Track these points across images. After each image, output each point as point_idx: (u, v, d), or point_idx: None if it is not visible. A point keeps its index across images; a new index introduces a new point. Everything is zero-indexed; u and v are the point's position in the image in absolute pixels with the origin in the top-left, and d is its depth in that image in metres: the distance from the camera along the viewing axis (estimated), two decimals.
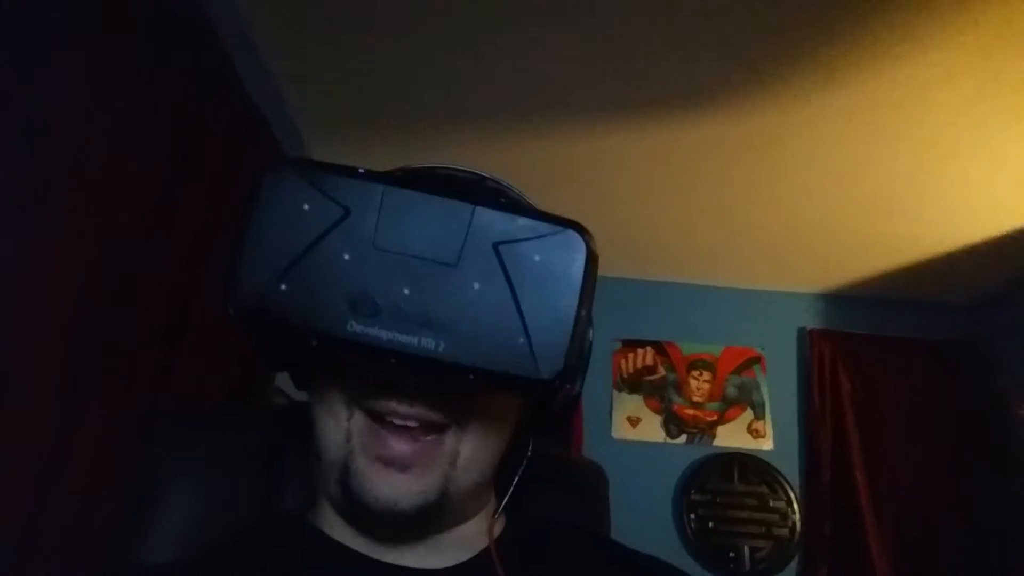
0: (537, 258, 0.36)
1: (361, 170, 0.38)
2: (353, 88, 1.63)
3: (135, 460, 0.60)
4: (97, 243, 0.96)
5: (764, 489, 2.31)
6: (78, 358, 0.93)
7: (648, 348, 2.48)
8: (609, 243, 2.34)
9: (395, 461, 0.41)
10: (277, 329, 0.37)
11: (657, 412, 2.42)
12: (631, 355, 2.47)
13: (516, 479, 0.51)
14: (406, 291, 0.36)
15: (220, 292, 0.37)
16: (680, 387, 2.45)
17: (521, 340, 0.36)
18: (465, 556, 0.48)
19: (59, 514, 0.88)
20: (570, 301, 0.36)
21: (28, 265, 0.84)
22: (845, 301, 2.55)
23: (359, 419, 0.43)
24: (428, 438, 0.42)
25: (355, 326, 0.35)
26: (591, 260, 0.37)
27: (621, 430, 2.38)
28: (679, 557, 2.23)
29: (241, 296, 0.36)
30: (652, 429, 2.40)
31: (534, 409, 0.49)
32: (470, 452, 0.43)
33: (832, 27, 1.34)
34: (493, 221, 0.37)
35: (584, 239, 0.37)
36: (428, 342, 0.35)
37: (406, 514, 0.41)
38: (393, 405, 0.41)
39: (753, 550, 2.24)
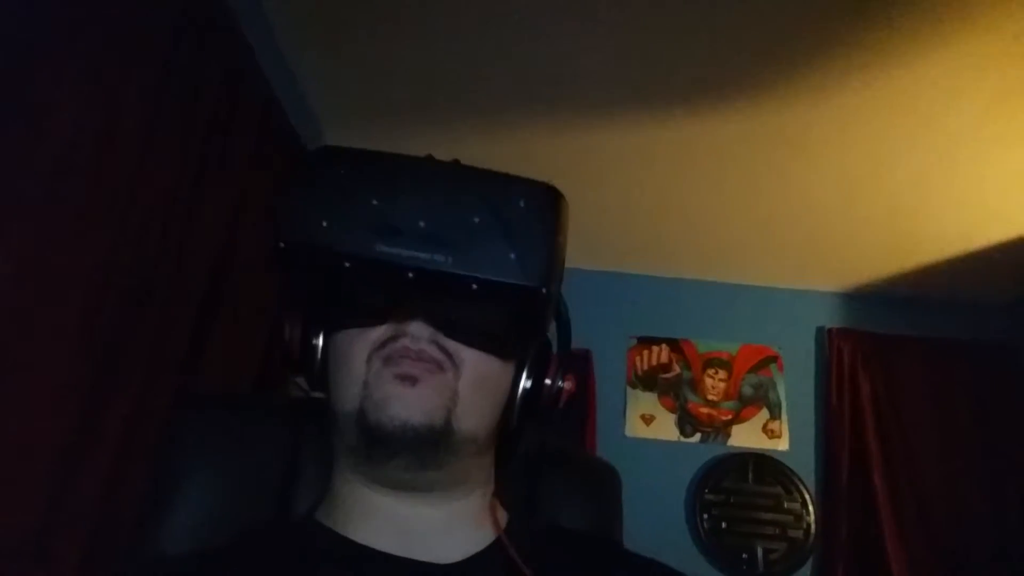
0: (521, 203, 0.47)
1: (385, 152, 0.49)
2: (372, 80, 1.62)
3: (158, 448, 0.60)
4: (121, 232, 0.96)
5: (779, 490, 2.28)
6: (103, 345, 0.93)
7: (663, 345, 2.46)
8: (626, 239, 2.33)
9: (407, 377, 0.47)
10: (318, 254, 0.45)
11: (671, 410, 2.39)
12: (646, 352, 2.45)
13: (517, 463, 0.55)
14: (422, 224, 0.45)
15: (271, 232, 0.46)
16: (695, 385, 2.42)
17: (512, 256, 0.45)
18: (474, 549, 0.49)
19: (78, 508, 0.88)
20: (549, 232, 0.47)
21: (52, 252, 0.85)
22: (868, 300, 2.51)
23: (376, 365, 0.49)
24: (432, 363, 0.49)
25: (381, 247, 0.44)
26: (562, 207, 0.48)
27: (635, 428, 2.37)
28: (692, 557, 2.21)
29: (290, 230, 0.45)
30: (666, 427, 2.37)
31: (524, 400, 0.53)
32: (467, 396, 0.49)
33: (862, 21, 1.31)
34: (488, 179, 0.48)
35: (556, 192, 0.49)
36: (439, 258, 0.44)
37: (417, 431, 0.46)
38: (407, 343, 0.48)
39: (767, 551, 2.21)
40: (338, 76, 1.62)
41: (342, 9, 1.40)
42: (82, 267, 0.90)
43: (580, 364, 2.30)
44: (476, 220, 0.45)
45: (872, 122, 1.61)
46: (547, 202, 0.48)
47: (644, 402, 2.40)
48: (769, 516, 2.25)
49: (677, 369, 2.44)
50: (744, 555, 2.21)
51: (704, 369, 2.44)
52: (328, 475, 0.54)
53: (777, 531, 2.23)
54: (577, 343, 2.21)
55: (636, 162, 1.85)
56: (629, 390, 2.41)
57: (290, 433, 0.60)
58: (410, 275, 0.44)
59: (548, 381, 0.53)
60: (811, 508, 2.25)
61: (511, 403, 0.53)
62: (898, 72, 1.44)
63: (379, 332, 0.49)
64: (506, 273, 0.45)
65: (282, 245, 0.45)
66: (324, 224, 0.44)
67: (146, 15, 1.00)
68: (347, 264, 0.44)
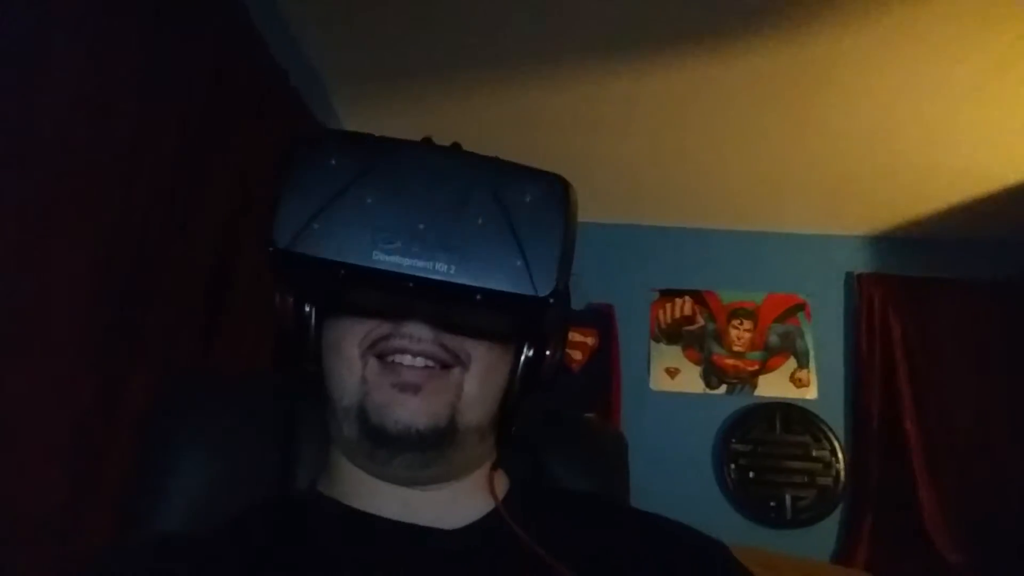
0: (528, 199, 0.43)
1: (376, 135, 0.45)
2: (383, 47, 1.57)
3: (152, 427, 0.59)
4: (126, 209, 0.95)
5: (807, 439, 2.26)
6: (114, 326, 0.93)
7: (686, 298, 2.43)
8: (645, 190, 2.26)
9: (408, 386, 0.46)
10: (311, 261, 0.41)
11: (696, 363, 2.37)
12: (669, 305, 2.42)
13: (513, 433, 0.54)
14: (421, 226, 0.42)
15: (261, 237, 0.42)
16: (720, 337, 2.39)
17: (519, 263, 0.42)
18: (475, 516, 0.49)
19: (105, 484, 0.89)
20: (558, 232, 0.43)
21: (56, 231, 0.84)
22: (897, 243, 2.43)
23: (373, 364, 0.47)
24: (436, 369, 0.47)
25: (378, 255, 0.41)
26: (572, 200, 0.44)
27: (659, 381, 2.35)
28: (719, 507, 2.22)
29: (281, 236, 0.41)
30: (691, 380, 2.36)
31: (527, 367, 0.52)
32: (473, 390, 0.48)
33: None
34: (491, 171, 0.44)
35: (564, 182, 0.44)
36: (441, 267, 0.41)
37: (422, 435, 0.45)
38: (405, 343, 0.46)
39: (795, 499, 2.21)
40: (344, 41, 1.57)
41: None
42: (94, 245, 0.89)
43: (603, 319, 2.28)
44: (480, 221, 0.42)
45: (898, 61, 1.53)
46: (555, 197, 0.44)
47: (668, 355, 2.38)
48: (798, 465, 2.24)
49: (701, 321, 2.41)
50: (772, 503, 2.21)
51: (729, 320, 2.41)
52: (327, 449, 0.53)
53: (805, 479, 2.23)
54: (599, 298, 2.18)
55: (654, 110, 1.79)
56: (653, 344, 2.39)
57: (286, 409, 0.59)
58: (410, 284, 0.41)
59: (548, 352, 0.51)
60: (840, 456, 2.23)
61: (512, 376, 0.51)
62: (924, 8, 1.35)
63: (371, 326, 0.47)
64: (513, 283, 0.42)
65: (271, 250, 0.42)
66: (316, 227, 0.41)
67: None
68: (342, 272, 0.41)
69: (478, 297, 0.41)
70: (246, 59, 1.25)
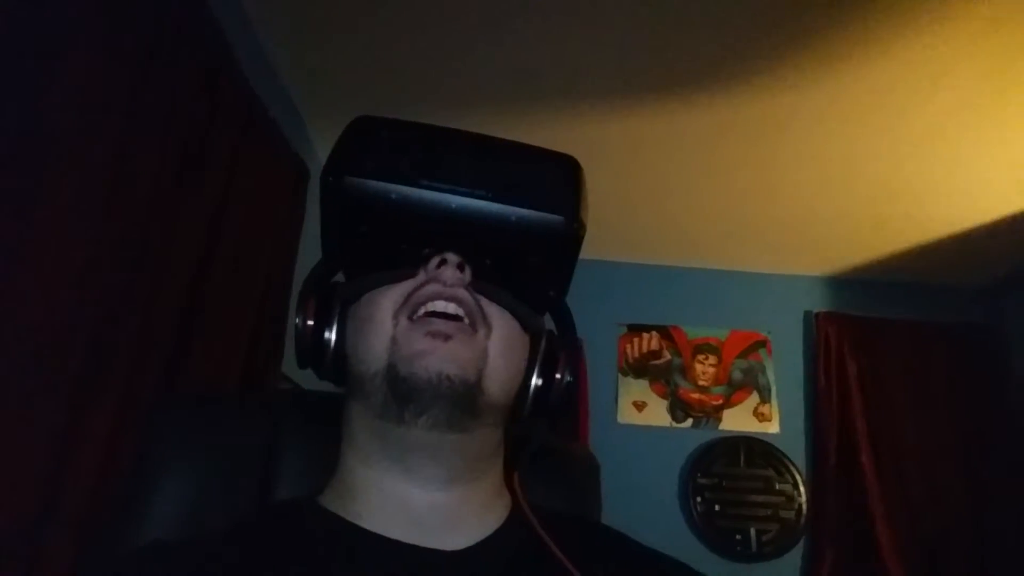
0: (548, 164, 0.53)
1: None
2: (359, 82, 1.62)
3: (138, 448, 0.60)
4: (104, 231, 0.95)
5: (770, 472, 2.31)
6: (85, 351, 0.93)
7: (653, 333, 2.48)
8: (614, 227, 2.34)
9: (439, 334, 0.48)
10: (364, 188, 0.48)
11: (663, 396, 2.42)
12: (636, 340, 2.47)
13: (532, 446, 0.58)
14: (463, 163, 0.50)
15: (322, 170, 0.50)
16: (685, 371, 2.45)
17: (548, 194, 0.50)
18: (479, 537, 0.49)
19: (69, 506, 0.88)
20: (576, 189, 0.52)
21: (37, 252, 0.84)
22: (853, 284, 2.54)
23: (403, 323, 0.49)
24: (464, 324, 0.50)
25: (425, 181, 0.49)
26: (583, 173, 0.54)
27: (627, 415, 2.39)
28: (685, 540, 2.24)
29: (338, 165, 0.49)
30: (658, 413, 2.40)
31: (536, 391, 0.53)
32: (496, 360, 0.50)
33: (839, 10, 1.32)
34: (516, 144, 0.53)
35: (577, 162, 0.54)
36: (480, 192, 0.49)
37: (451, 382, 0.46)
38: (439, 288, 0.49)
39: (759, 532, 2.24)
40: (321, 76, 1.61)
41: (323, 9, 1.39)
42: (66, 266, 0.89)
43: None
44: (510, 169, 0.51)
45: (852, 110, 1.63)
46: (570, 167, 0.53)
47: (635, 389, 2.42)
48: (761, 498, 2.28)
49: (667, 356, 2.46)
50: (737, 536, 2.24)
51: (694, 355, 2.47)
52: (328, 463, 0.53)
53: (769, 513, 2.27)
54: None
55: (622, 151, 1.86)
56: (620, 377, 2.43)
57: (268, 427, 0.60)
58: (454, 206, 0.48)
59: (559, 375, 0.53)
60: (802, 489, 2.28)
61: (524, 392, 0.52)
62: (876, 61, 1.46)
63: (409, 283, 0.50)
64: (544, 210, 0.49)
65: (330, 179, 0.48)
66: (371, 162, 0.49)
67: (124, 14, 0.99)
68: (393, 196, 0.48)
69: (513, 219, 0.49)
70: (225, 91, 1.27)
